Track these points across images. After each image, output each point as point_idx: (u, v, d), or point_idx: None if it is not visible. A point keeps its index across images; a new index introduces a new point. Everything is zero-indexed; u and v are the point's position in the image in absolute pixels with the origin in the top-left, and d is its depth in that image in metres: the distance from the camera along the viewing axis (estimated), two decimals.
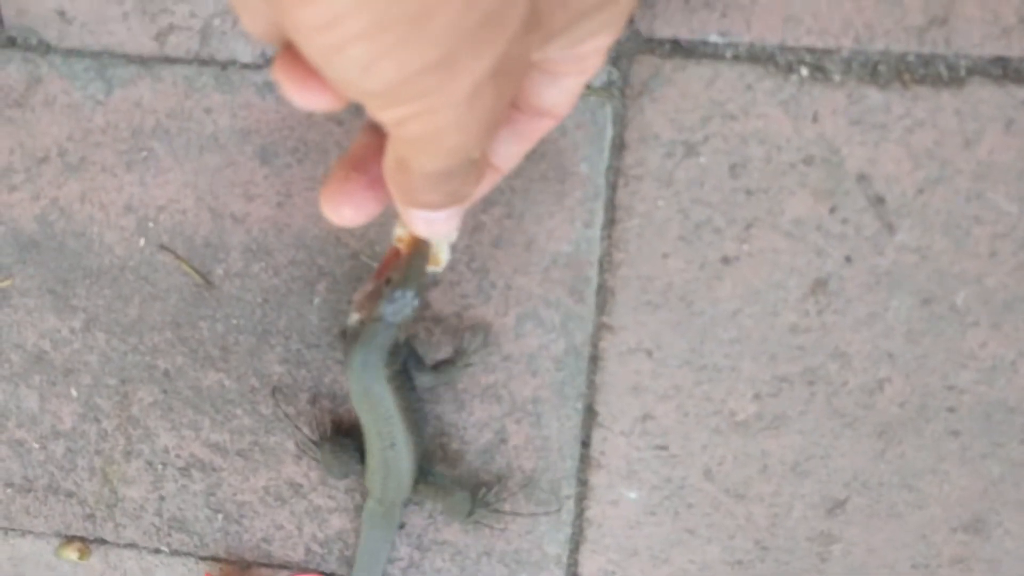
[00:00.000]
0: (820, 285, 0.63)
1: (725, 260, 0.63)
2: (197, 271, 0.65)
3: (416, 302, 0.56)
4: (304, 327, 0.67)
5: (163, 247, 0.65)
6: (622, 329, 0.65)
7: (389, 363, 0.58)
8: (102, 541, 0.73)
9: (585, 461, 0.68)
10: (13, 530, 0.74)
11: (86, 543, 0.73)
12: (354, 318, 0.56)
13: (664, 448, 0.67)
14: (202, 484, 0.70)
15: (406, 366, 0.62)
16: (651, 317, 0.64)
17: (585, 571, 0.70)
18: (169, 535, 0.72)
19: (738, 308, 0.64)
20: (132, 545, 0.73)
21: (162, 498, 0.71)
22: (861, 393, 0.65)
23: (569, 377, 0.66)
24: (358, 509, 0.70)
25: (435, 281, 0.64)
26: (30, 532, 0.74)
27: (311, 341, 0.67)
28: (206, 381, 0.68)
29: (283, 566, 0.73)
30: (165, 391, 0.69)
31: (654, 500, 0.68)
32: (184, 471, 0.70)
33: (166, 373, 0.68)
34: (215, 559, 0.73)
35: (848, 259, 0.62)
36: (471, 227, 0.64)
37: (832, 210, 0.62)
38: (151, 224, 0.65)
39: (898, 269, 0.62)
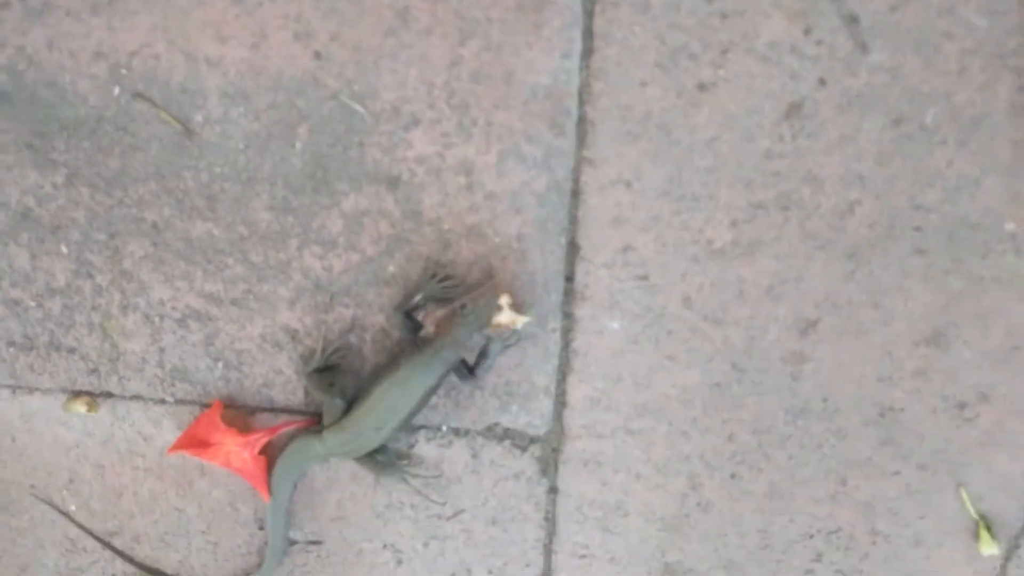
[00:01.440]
0: (794, 109, 0.64)
1: (701, 86, 0.64)
2: (176, 119, 0.65)
3: (483, 336, 0.68)
4: (288, 173, 0.67)
5: (139, 95, 0.65)
6: (602, 162, 0.66)
7: (433, 386, 0.70)
8: (108, 394, 0.76)
9: (570, 294, 0.71)
10: (20, 387, 0.76)
11: (93, 397, 0.76)
12: (428, 329, 0.68)
13: (644, 278, 0.70)
14: (200, 334, 0.73)
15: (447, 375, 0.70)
16: (630, 148, 0.66)
17: (572, 399, 0.75)
18: (172, 385, 0.75)
19: (715, 135, 0.65)
20: (138, 397, 0.76)
21: (162, 350, 0.74)
22: (833, 216, 0.67)
23: (552, 212, 0.68)
24: (351, 348, 0.73)
25: (512, 338, 0.71)
26: (37, 389, 0.76)
27: (296, 187, 0.68)
28: (195, 231, 0.69)
29: (285, 410, 0.76)
30: (155, 243, 0.70)
31: (636, 329, 0.72)
32: (181, 322, 0.72)
33: (154, 225, 0.69)
34: (222, 406, 0.76)
35: (822, 81, 0.63)
36: (449, 62, 0.64)
37: (806, 31, 0.62)
38: (124, 71, 0.65)
39: (870, 90, 0.64)
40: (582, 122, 0.66)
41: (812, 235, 0.69)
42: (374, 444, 0.73)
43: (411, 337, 0.70)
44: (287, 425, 0.77)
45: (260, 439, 0.76)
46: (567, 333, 0.74)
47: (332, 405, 0.72)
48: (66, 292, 0.73)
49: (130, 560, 0.85)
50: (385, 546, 0.85)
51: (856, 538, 0.82)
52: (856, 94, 0.65)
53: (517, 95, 0.66)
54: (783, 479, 0.79)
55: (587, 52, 0.64)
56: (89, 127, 0.67)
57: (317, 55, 0.65)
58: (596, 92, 0.65)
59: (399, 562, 0.85)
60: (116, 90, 0.66)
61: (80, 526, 0.84)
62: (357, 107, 0.64)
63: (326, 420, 0.74)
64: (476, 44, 0.64)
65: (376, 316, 0.73)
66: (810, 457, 0.78)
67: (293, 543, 0.84)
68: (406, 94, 0.66)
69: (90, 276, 0.73)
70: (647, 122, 0.66)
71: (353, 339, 0.74)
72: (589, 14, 0.63)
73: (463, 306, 0.65)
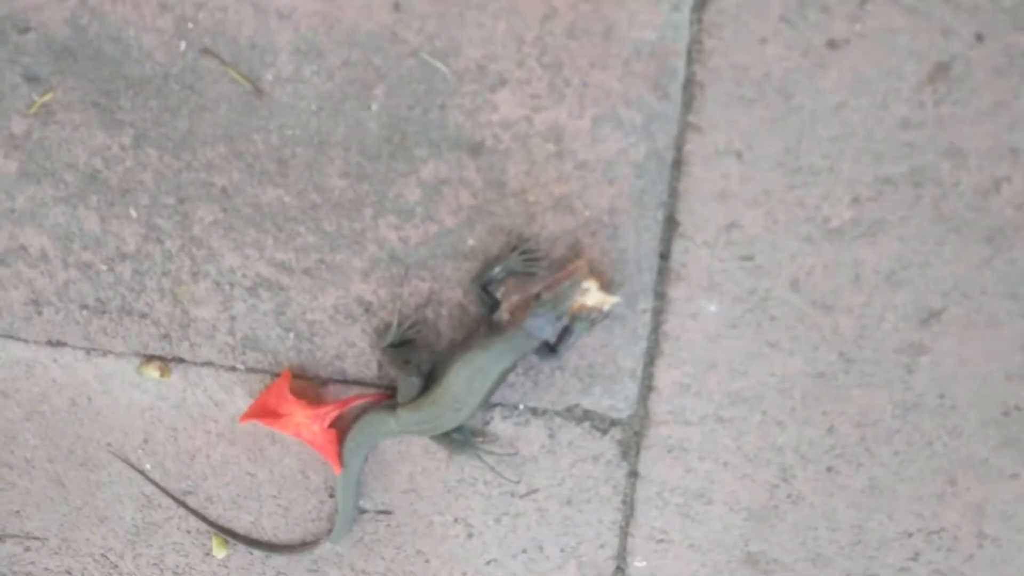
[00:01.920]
0: (941, 71, 0.55)
1: (832, 44, 0.55)
2: (245, 77, 0.60)
3: (559, 325, 0.61)
4: (364, 137, 0.62)
5: (206, 51, 0.60)
6: (711, 129, 0.59)
7: (510, 368, 0.65)
8: (180, 360, 0.74)
9: (664, 274, 0.64)
10: (95, 350, 0.75)
11: (165, 362, 0.75)
12: (503, 315, 0.62)
13: (749, 258, 0.63)
14: (271, 303, 0.69)
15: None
16: (744, 114, 0.58)
17: (660, 384, 0.69)
18: (243, 353, 0.72)
19: (843, 101, 0.57)
20: (209, 363, 0.74)
21: (233, 318, 0.71)
22: (974, 195, 0.59)
23: (649, 184, 0.61)
24: (427, 323, 0.69)
25: (599, 319, 0.64)
26: (111, 352, 0.75)
27: (372, 152, 0.62)
28: (265, 198, 0.65)
29: (357, 382, 0.73)
30: (225, 209, 0.66)
31: (736, 312, 0.65)
32: (252, 290, 0.69)
33: (224, 190, 0.65)
34: (291, 376, 0.74)
35: (979, 37, 0.54)
36: (542, 15, 0.56)
37: None
38: (190, 25, 0.59)
39: None
40: (689, 84, 0.58)
41: (946, 216, 0.61)
42: (450, 425, 0.69)
43: (487, 313, 0.65)
44: (359, 398, 0.74)
45: (330, 412, 0.73)
46: (658, 315, 0.68)
47: (407, 383, 0.69)
48: (136, 257, 0.70)
49: (203, 519, 0.85)
50: (456, 520, 0.82)
51: (960, 540, 0.75)
52: (1020, 52, 0.55)
53: (617, 53, 0.58)
54: (885, 475, 0.73)
55: (699, 3, 0.55)
56: (155, 85, 0.63)
57: (396, 6, 0.58)
58: (708, 50, 0.57)
59: (469, 536, 0.83)
60: (182, 45, 0.61)
61: (155, 484, 0.84)
62: (439, 65, 0.58)
63: (401, 397, 0.70)
64: None
65: (454, 290, 0.69)
66: (918, 455, 0.71)
67: (363, 512, 0.83)
68: (493, 51, 0.59)
69: (159, 241, 0.69)
70: (765, 85, 0.58)
71: (429, 314, 0.69)
72: None
73: (538, 295, 0.60)
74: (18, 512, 0.89)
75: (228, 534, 0.86)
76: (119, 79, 0.64)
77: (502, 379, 0.67)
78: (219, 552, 0.87)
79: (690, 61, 0.57)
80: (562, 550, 0.83)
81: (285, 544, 0.87)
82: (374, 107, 0.62)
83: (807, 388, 0.70)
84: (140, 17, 0.61)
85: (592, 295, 0.62)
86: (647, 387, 0.72)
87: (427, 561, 0.86)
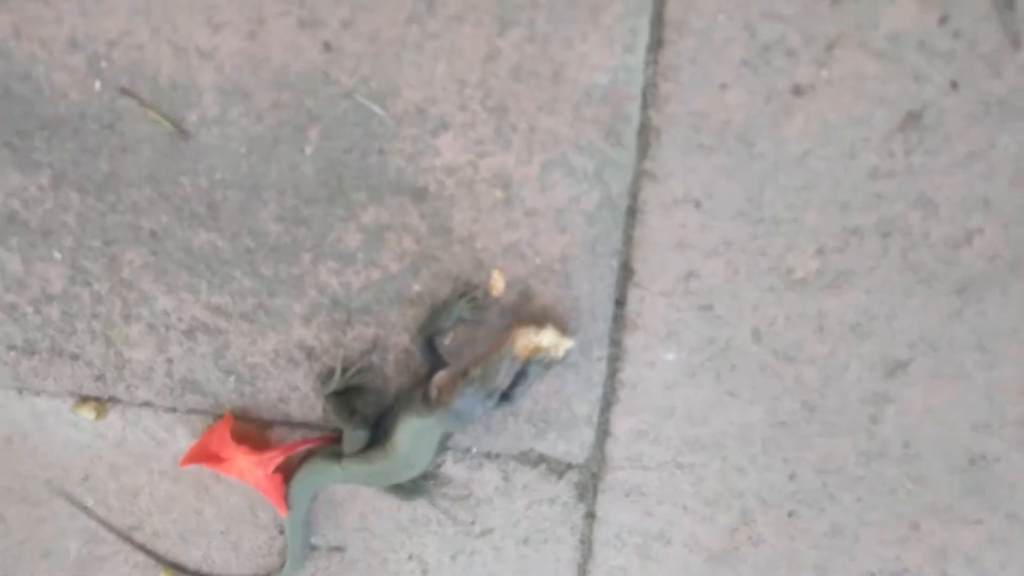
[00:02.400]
0: (912, 119, 0.51)
1: (797, 90, 0.51)
2: (167, 118, 0.55)
3: (489, 404, 0.57)
4: (299, 181, 0.57)
5: (124, 90, 0.55)
6: (667, 177, 0.54)
7: (441, 441, 0.62)
8: (116, 400, 0.70)
9: (619, 321, 0.60)
10: (26, 389, 0.71)
11: (101, 402, 0.70)
12: (434, 392, 0.58)
13: (709, 308, 0.59)
14: (209, 347, 0.65)
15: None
16: (703, 162, 0.54)
17: (616, 430, 0.66)
18: (182, 395, 0.69)
19: (808, 149, 0.52)
20: (148, 404, 0.70)
21: (169, 360, 0.66)
22: (944, 246, 0.55)
23: (603, 233, 0.57)
24: (373, 369, 0.65)
25: (556, 362, 0.60)
26: (43, 391, 0.71)
27: (308, 195, 0.58)
28: (196, 241, 0.60)
29: (303, 425, 0.70)
30: (154, 252, 0.61)
31: (695, 361, 0.62)
32: (188, 334, 0.65)
33: (152, 233, 0.60)
34: (234, 417, 0.70)
35: (954, 85, 0.50)
36: (484, 56, 0.51)
37: (942, 20, 0.48)
38: (104, 63, 0.54)
39: (1016, 96, 0.50)
40: (645, 130, 0.54)
41: (915, 267, 0.57)
42: (401, 480, 0.66)
43: (429, 370, 0.61)
44: (303, 443, 0.71)
45: (274, 458, 0.70)
46: (614, 362, 0.64)
47: (353, 436, 0.65)
48: (64, 299, 0.66)
49: (151, 553, 0.82)
50: (411, 557, 0.79)
51: None
52: (997, 101, 0.51)
53: (567, 96, 0.53)
54: (848, 520, 0.70)
55: (655, 45, 0.51)
56: (72, 125, 0.58)
57: (327, 47, 0.53)
58: (664, 95, 0.52)
59: (424, 572, 0.80)
60: (97, 84, 0.56)
61: (99, 520, 0.80)
62: (376, 108, 0.53)
63: (347, 448, 0.67)
64: (518, 34, 0.52)
65: (400, 336, 0.65)
66: (881, 501, 0.69)
67: (315, 548, 0.80)
68: (433, 94, 0.54)
69: (88, 284, 0.65)
70: (725, 132, 0.53)
71: (375, 359, 0.66)
72: None
73: (466, 372, 0.56)
74: None
75: (177, 569, 0.83)
76: (32, 118, 0.59)
77: (447, 440, 0.63)
78: None
79: (645, 106, 0.53)
80: None
81: None
82: (308, 150, 0.57)
83: (768, 436, 0.67)
84: (49, 55, 0.56)
85: (547, 337, 0.58)
86: (603, 432, 0.69)
87: None
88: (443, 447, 0.67)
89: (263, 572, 0.84)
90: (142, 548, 0.83)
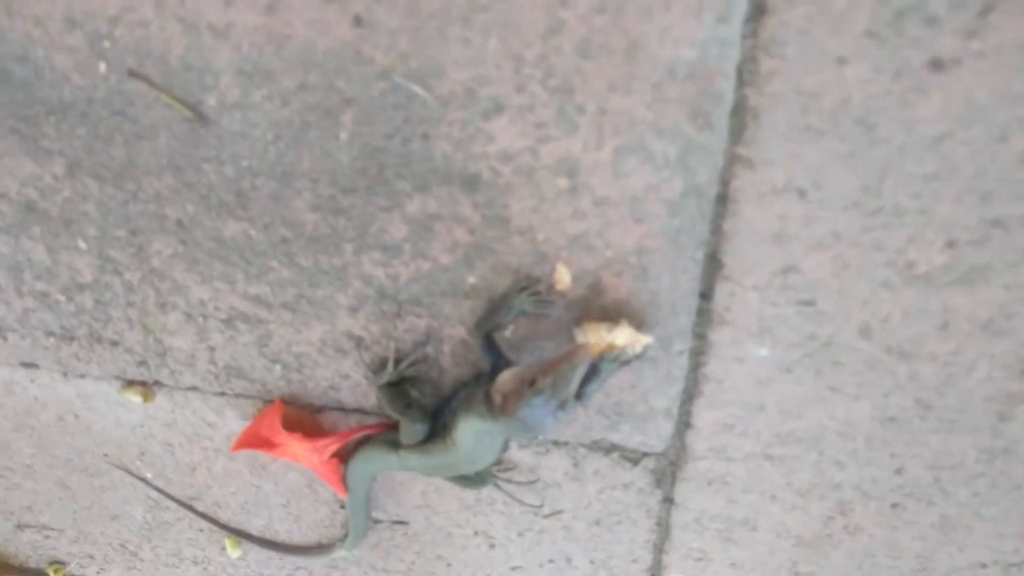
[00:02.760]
0: None
1: (936, 65, 0.45)
2: (182, 102, 0.53)
3: (560, 415, 0.56)
4: (334, 168, 0.55)
5: (132, 73, 0.52)
6: (766, 164, 0.50)
7: (506, 442, 0.64)
8: (161, 384, 0.73)
9: (704, 315, 0.58)
10: (70, 372, 0.74)
11: (147, 386, 0.73)
12: (497, 398, 0.57)
13: (810, 303, 0.56)
14: (250, 336, 0.66)
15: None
16: (810, 147, 0.49)
17: (699, 423, 0.65)
18: (228, 381, 0.71)
19: (945, 132, 0.47)
20: (194, 388, 0.72)
21: (212, 348, 0.68)
22: None
23: (687, 223, 0.53)
24: (428, 361, 0.65)
25: (632, 358, 0.59)
26: (87, 375, 0.74)
27: (345, 184, 0.56)
28: (227, 231, 0.60)
29: (356, 411, 0.71)
30: (183, 242, 0.61)
31: (791, 358, 0.59)
32: (227, 323, 0.66)
33: (179, 223, 0.60)
34: (284, 402, 0.72)
35: None
36: (544, 29, 0.47)
37: None
38: (106, 43, 0.52)
39: None
40: (740, 111, 0.49)
41: None
42: (463, 473, 0.67)
43: (490, 369, 0.60)
44: (359, 430, 0.73)
45: (328, 445, 0.72)
46: (697, 356, 0.62)
47: (411, 429, 0.67)
48: (95, 288, 0.67)
49: (213, 521, 0.88)
50: (476, 533, 0.83)
51: None
52: None
53: (645, 74, 0.49)
54: (961, 514, 0.69)
55: (755, 13, 0.45)
56: (79, 111, 0.57)
57: (357, 21, 0.49)
58: (765, 72, 0.47)
59: (491, 546, 0.84)
60: (102, 66, 0.54)
61: (160, 490, 0.86)
62: (417, 89, 0.50)
63: (404, 440, 0.68)
64: (584, 4, 0.46)
65: (455, 328, 0.64)
66: (1003, 497, 0.67)
67: (377, 522, 0.84)
68: (484, 72, 0.50)
69: (117, 272, 0.66)
70: (840, 114, 0.48)
71: (430, 351, 0.65)
72: None
73: (534, 381, 0.54)
74: (30, 507, 0.94)
75: (241, 535, 0.90)
76: (36, 103, 0.57)
77: (499, 454, 0.64)
78: (233, 552, 0.91)
79: (741, 84, 0.48)
80: (592, 562, 0.83)
81: (299, 546, 0.90)
82: (343, 136, 0.55)
83: (874, 432, 0.65)
84: (45, 34, 0.53)
85: (621, 335, 0.57)
86: (684, 424, 0.68)
87: (449, 565, 0.88)
88: (508, 445, 0.68)
89: (327, 541, 0.89)
90: (204, 516, 0.89)
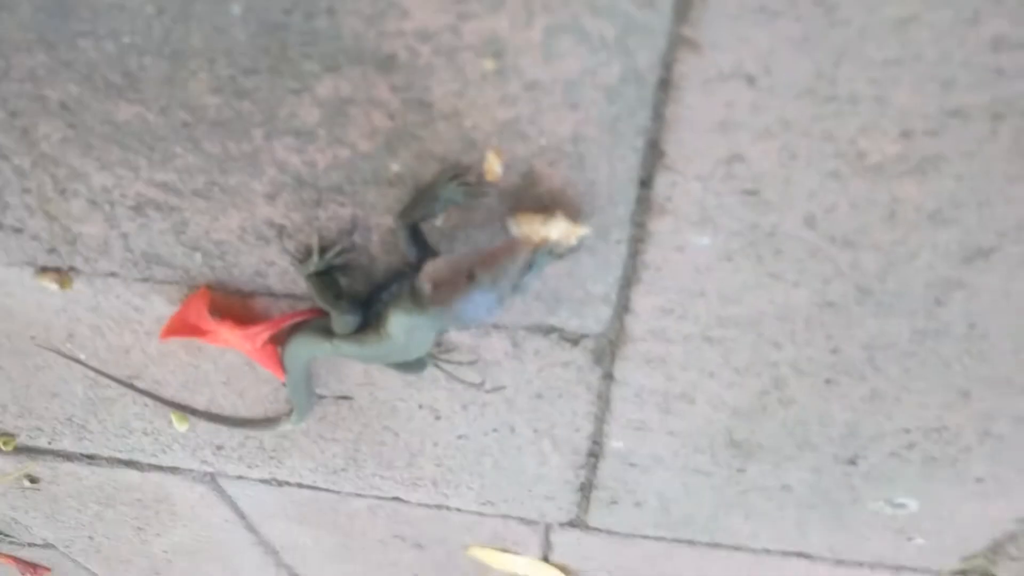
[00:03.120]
0: None
1: None
2: None
3: (497, 309, 0.52)
4: (231, 47, 0.48)
5: None
6: (713, 47, 0.44)
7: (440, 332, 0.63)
8: (77, 271, 0.68)
9: (644, 205, 0.54)
10: None
11: (62, 272, 0.69)
12: (426, 287, 0.54)
13: (754, 193, 0.52)
14: (164, 223, 0.62)
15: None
16: (762, 30, 0.43)
17: (638, 307, 0.64)
18: (149, 268, 0.66)
19: (913, 15, 0.42)
20: (114, 275, 0.68)
21: (124, 235, 0.63)
22: None
23: (626, 111, 0.48)
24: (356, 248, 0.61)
25: (567, 251, 0.56)
26: None
27: (246, 65, 0.49)
28: (120, 115, 0.53)
29: (287, 296, 0.68)
30: (72, 125, 0.55)
31: (732, 246, 0.56)
32: (137, 209, 0.61)
33: (63, 105, 0.53)
34: (210, 289, 0.68)
35: None
36: None
37: None
38: None
39: None
40: None
41: None
42: (393, 362, 0.66)
43: (415, 261, 0.57)
44: (291, 316, 0.70)
45: (260, 333, 0.70)
46: (636, 243, 0.59)
47: (342, 320, 0.64)
48: None
49: (156, 398, 0.87)
50: (421, 406, 0.83)
51: (962, 436, 0.76)
52: None
53: None
54: (890, 387, 0.70)
55: None
56: None
57: None
58: None
59: (436, 418, 0.85)
60: None
61: (96, 370, 0.84)
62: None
63: (336, 330, 0.66)
64: None
65: (382, 217, 0.60)
66: (931, 373, 0.68)
67: (321, 397, 0.84)
68: None
69: (4, 157, 0.60)
70: None
71: (357, 239, 0.61)
72: None
73: (472, 274, 0.51)
74: None
75: (185, 410, 0.89)
76: None
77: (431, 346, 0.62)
78: (180, 426, 0.91)
79: None
80: (535, 431, 0.85)
81: (246, 419, 0.90)
82: (235, 10, 0.47)
83: (812, 315, 0.64)
84: None
85: (557, 226, 0.54)
86: (623, 308, 0.66)
87: (396, 434, 0.89)
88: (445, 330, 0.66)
89: (273, 415, 0.89)
90: (146, 393, 0.87)
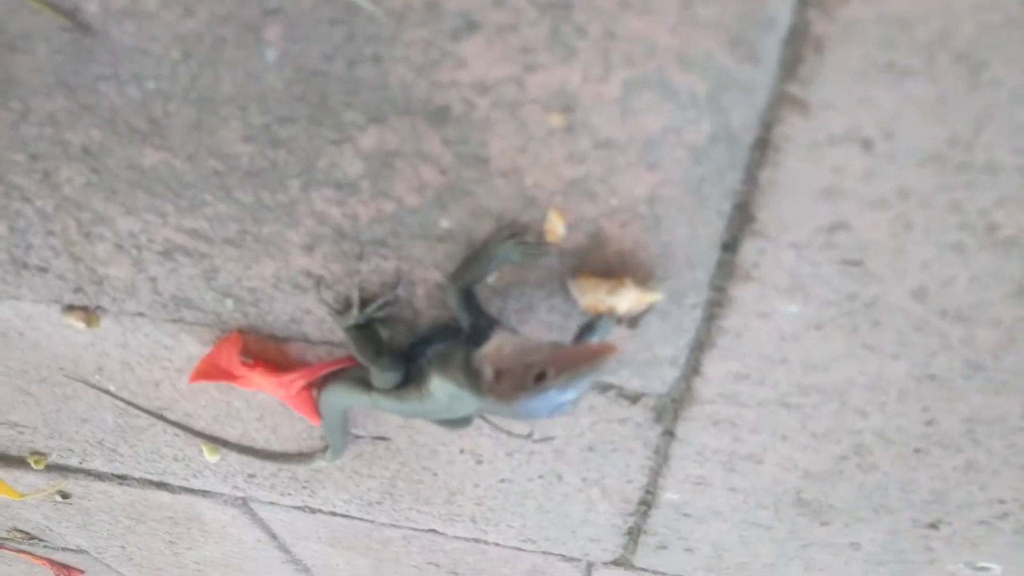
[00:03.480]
0: None
1: None
2: (49, 5, 0.39)
3: (563, 411, 0.44)
4: (265, 93, 0.42)
5: None
6: (825, 108, 0.37)
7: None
8: (104, 311, 0.64)
9: (726, 269, 0.47)
10: (1, 295, 0.65)
11: (89, 311, 0.64)
12: (488, 371, 0.47)
13: (856, 264, 0.45)
14: (194, 268, 0.56)
15: None
16: (887, 90, 0.36)
17: (709, 372, 0.57)
18: (178, 311, 0.61)
19: None
20: (142, 315, 0.63)
21: (152, 279, 0.58)
22: None
23: (714, 172, 0.42)
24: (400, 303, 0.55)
25: (633, 321, 0.51)
26: (21, 298, 0.65)
27: (282, 113, 0.43)
28: (146, 161, 0.48)
29: (325, 343, 0.62)
30: (95, 171, 0.49)
31: (825, 315, 0.49)
32: (165, 255, 0.56)
33: (85, 150, 0.48)
34: (243, 333, 0.63)
35: None
36: None
37: None
38: None
39: None
40: (796, 40, 0.36)
41: None
42: (435, 419, 0.60)
43: (472, 321, 0.51)
44: (328, 365, 0.65)
45: (295, 381, 0.64)
46: (713, 308, 0.52)
47: (382, 377, 0.58)
48: (4, 214, 0.56)
49: (187, 429, 0.83)
50: (462, 451, 0.78)
51: None
52: None
53: None
54: (989, 460, 0.63)
55: None
56: None
57: None
58: None
59: (479, 462, 0.79)
60: None
61: (127, 402, 0.80)
62: (360, 0, 0.36)
63: (375, 384, 0.60)
64: None
65: (429, 271, 0.54)
66: None
67: (358, 437, 0.79)
68: None
69: (27, 200, 0.55)
70: (939, 48, 0.34)
71: (401, 292, 0.56)
72: None
73: (542, 374, 0.43)
74: None
75: (217, 441, 0.85)
76: None
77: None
78: (212, 457, 0.87)
79: (803, 5, 0.34)
80: (583, 479, 0.79)
81: (279, 452, 0.85)
82: (270, 56, 0.41)
83: (908, 387, 0.56)
84: None
85: (626, 296, 0.47)
86: (692, 371, 0.59)
87: (435, 475, 0.84)
88: None
89: (307, 451, 0.84)
90: (177, 424, 0.83)
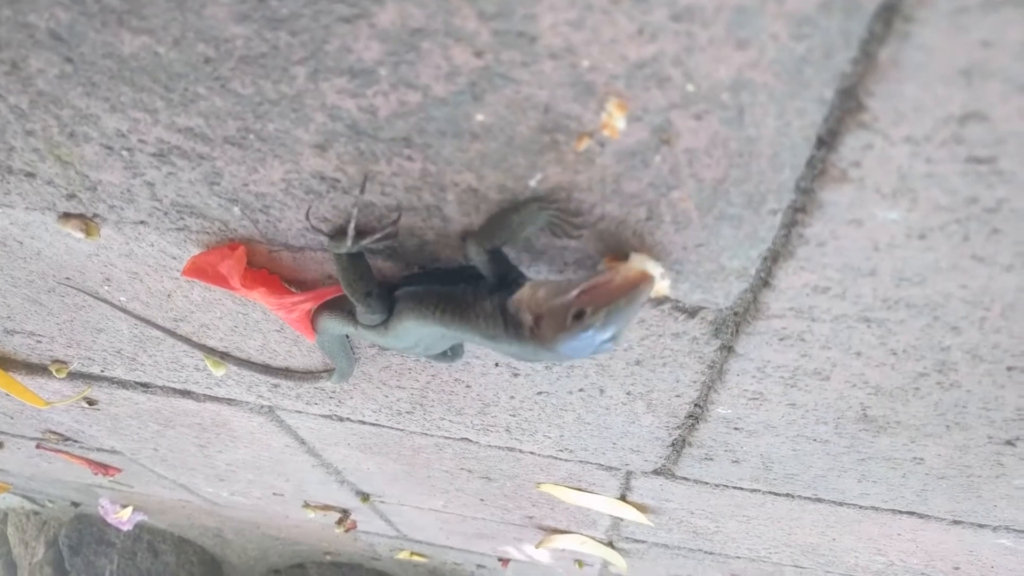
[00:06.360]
0: None
1: None
2: None
3: (607, 348, 0.43)
4: None
5: None
6: None
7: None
8: (103, 219, 0.58)
9: (817, 169, 0.39)
10: None
11: (86, 219, 0.58)
12: (526, 317, 0.44)
13: (986, 161, 0.37)
14: (194, 172, 0.49)
15: None
16: None
17: (782, 284, 0.50)
18: (182, 219, 0.55)
19: None
20: (143, 223, 0.57)
21: (150, 184, 0.52)
22: None
23: (818, 51, 0.33)
24: (428, 209, 0.48)
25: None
26: (12, 206, 0.58)
27: None
28: (125, 48, 0.40)
29: None
30: (69, 60, 0.42)
31: (932, 222, 0.42)
32: (160, 157, 0.49)
33: (54, 35, 0.40)
34: (254, 243, 0.57)
35: None
36: None
37: None
38: None
39: None
40: None
41: None
42: (420, 355, 0.56)
43: (499, 276, 0.45)
44: (334, 290, 0.59)
45: (300, 304, 0.59)
46: (795, 214, 0.45)
47: (367, 317, 0.53)
48: None
49: (192, 343, 0.78)
50: (497, 364, 0.72)
51: None
52: None
53: None
54: None
55: None
56: None
57: None
58: None
59: (515, 375, 0.74)
60: None
61: (138, 317, 0.75)
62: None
63: (360, 319, 0.55)
64: None
65: (461, 174, 0.46)
66: None
67: (385, 349, 0.74)
68: None
69: None
70: None
71: (428, 197, 0.48)
72: None
73: (581, 312, 0.40)
74: (10, 317, 0.85)
75: (217, 354, 0.80)
76: None
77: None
78: (217, 371, 0.83)
79: None
80: (628, 393, 0.73)
81: (283, 368, 0.81)
82: None
83: (1017, 302, 0.49)
84: None
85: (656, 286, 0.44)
86: (761, 283, 0.52)
87: (468, 387, 0.79)
88: None
89: (318, 368, 0.80)
90: (183, 339, 0.78)
